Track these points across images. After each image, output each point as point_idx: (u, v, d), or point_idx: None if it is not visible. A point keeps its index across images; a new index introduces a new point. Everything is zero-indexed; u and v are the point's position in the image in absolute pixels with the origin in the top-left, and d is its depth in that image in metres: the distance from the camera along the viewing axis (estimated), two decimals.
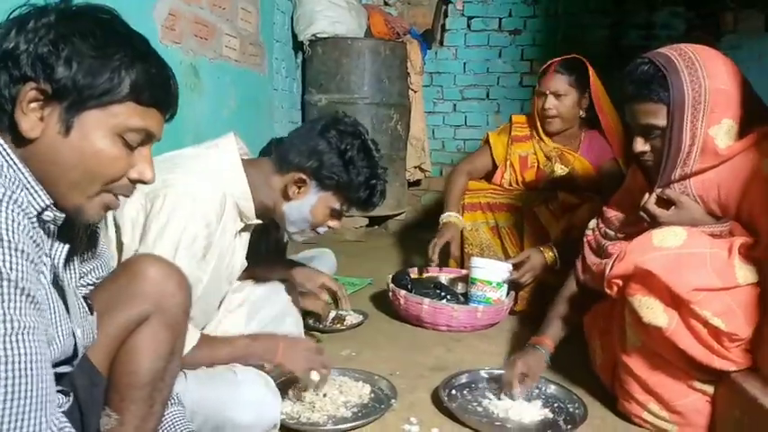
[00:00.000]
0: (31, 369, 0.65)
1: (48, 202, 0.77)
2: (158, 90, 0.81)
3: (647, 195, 1.47)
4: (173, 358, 1.01)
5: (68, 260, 0.87)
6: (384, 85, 3.81)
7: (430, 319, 2.13)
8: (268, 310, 1.71)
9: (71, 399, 0.87)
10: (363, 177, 1.46)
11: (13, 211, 0.66)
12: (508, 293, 2.21)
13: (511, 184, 2.57)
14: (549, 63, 2.45)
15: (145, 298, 0.96)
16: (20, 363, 0.63)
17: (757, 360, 1.28)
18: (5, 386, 0.62)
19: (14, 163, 0.74)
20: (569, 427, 1.44)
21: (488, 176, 2.66)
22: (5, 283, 0.63)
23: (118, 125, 0.77)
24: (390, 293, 2.24)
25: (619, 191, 1.73)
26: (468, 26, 4.43)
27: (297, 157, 1.44)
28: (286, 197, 1.46)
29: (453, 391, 1.60)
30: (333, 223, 1.54)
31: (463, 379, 1.66)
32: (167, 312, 0.97)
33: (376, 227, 4.11)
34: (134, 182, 0.83)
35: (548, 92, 2.39)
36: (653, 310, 1.31)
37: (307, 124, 1.63)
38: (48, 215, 0.77)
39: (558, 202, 2.37)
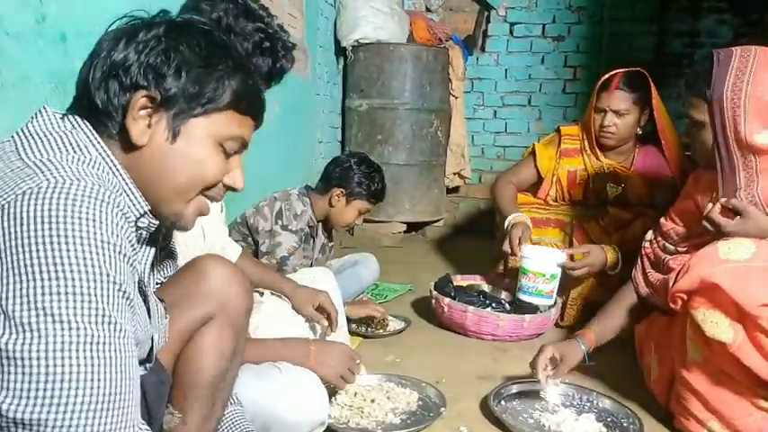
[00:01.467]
0: (127, 371, 0.66)
1: (146, 209, 0.79)
2: (255, 99, 0.84)
3: (710, 205, 1.43)
4: (234, 358, 1.02)
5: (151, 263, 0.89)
6: (425, 90, 3.81)
7: (474, 327, 2.11)
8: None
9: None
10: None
11: (116, 215, 0.67)
12: (559, 292, 2.12)
13: (556, 200, 2.45)
14: (610, 76, 2.26)
15: (209, 298, 0.97)
16: (119, 363, 0.65)
17: None
18: (104, 386, 0.63)
19: (117, 170, 0.76)
20: None
21: (531, 189, 2.54)
22: (111, 285, 0.65)
23: (219, 133, 0.80)
24: (433, 300, 2.22)
25: (678, 199, 1.68)
26: (511, 32, 4.40)
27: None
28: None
29: (504, 402, 1.58)
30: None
31: (514, 389, 1.63)
32: (231, 312, 0.99)
33: (413, 233, 4.10)
34: (226, 188, 0.86)
35: (608, 109, 2.23)
36: (717, 325, 1.26)
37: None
38: (143, 221, 0.79)
39: (609, 217, 2.27)
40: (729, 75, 1.35)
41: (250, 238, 2.04)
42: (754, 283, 1.22)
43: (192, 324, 0.97)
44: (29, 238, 0.62)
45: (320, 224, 2.20)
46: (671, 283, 1.35)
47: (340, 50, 3.86)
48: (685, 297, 1.33)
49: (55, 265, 0.61)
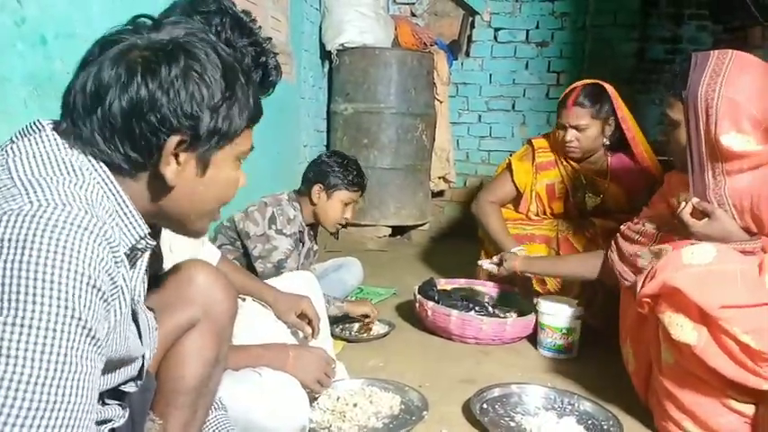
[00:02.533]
0: (81, 417, 0.62)
1: (146, 232, 0.77)
2: (260, 112, 0.85)
3: (682, 204, 1.46)
4: (218, 364, 1.02)
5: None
6: (410, 95, 3.82)
7: (458, 330, 2.12)
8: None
9: (127, 412, 0.87)
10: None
11: (99, 245, 0.65)
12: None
13: (538, 215, 2.44)
14: (568, 91, 2.31)
15: (194, 303, 0.97)
16: (72, 408, 0.61)
17: None
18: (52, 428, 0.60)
19: (117, 192, 0.74)
20: None
21: (512, 203, 2.53)
22: (74, 322, 0.61)
23: (239, 151, 0.83)
24: (417, 304, 2.23)
25: (653, 198, 1.73)
26: (495, 38, 4.44)
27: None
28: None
29: (485, 405, 1.59)
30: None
31: (496, 392, 1.65)
32: (214, 319, 0.98)
33: (399, 236, 4.10)
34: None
35: (568, 125, 2.26)
36: (682, 328, 1.29)
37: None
38: (140, 243, 0.78)
39: (595, 228, 2.28)
40: (705, 75, 1.39)
41: (238, 243, 2.04)
42: (714, 285, 1.26)
43: (176, 330, 0.97)
44: (1, 261, 0.59)
45: (306, 228, 2.20)
46: (638, 288, 1.38)
47: (325, 54, 3.87)
48: (651, 302, 1.36)
49: (18, 293, 0.59)
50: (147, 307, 0.89)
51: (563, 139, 2.30)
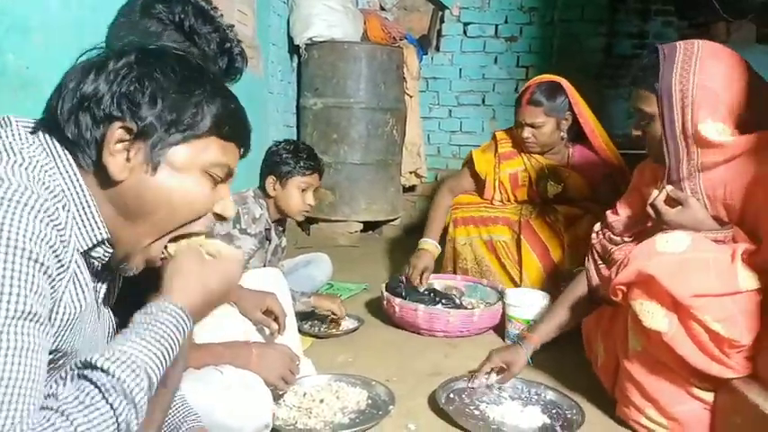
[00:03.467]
0: (22, 393, 0.60)
1: (104, 237, 0.75)
2: (237, 124, 0.81)
3: (655, 192, 1.48)
4: (175, 363, 0.98)
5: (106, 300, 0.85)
6: (380, 89, 3.80)
7: (426, 325, 2.12)
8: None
9: None
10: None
11: (41, 221, 0.63)
12: None
13: (501, 202, 2.52)
14: (523, 89, 2.39)
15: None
16: (11, 384, 0.59)
17: (758, 367, 1.27)
18: None
19: (83, 190, 0.73)
20: (565, 428, 1.45)
21: (477, 192, 2.61)
22: (12, 299, 0.60)
23: (203, 160, 0.77)
24: (385, 302, 2.22)
25: (626, 192, 1.73)
26: (465, 32, 4.44)
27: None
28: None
29: (451, 395, 1.60)
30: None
31: (461, 383, 1.65)
32: None
33: (370, 232, 4.09)
34: (217, 217, 0.83)
35: (523, 122, 2.34)
36: (653, 315, 1.30)
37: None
38: (97, 251, 0.76)
39: (556, 214, 2.34)
40: (676, 66, 1.40)
41: None
42: (687, 273, 1.27)
43: None
44: None
45: (274, 225, 2.17)
46: (613, 276, 1.39)
47: (293, 49, 3.82)
48: (625, 289, 1.37)
49: None
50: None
51: (520, 136, 2.38)
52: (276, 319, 1.64)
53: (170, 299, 0.75)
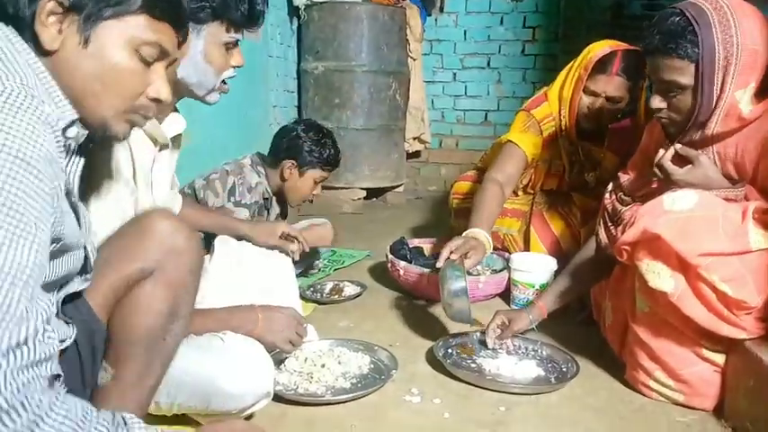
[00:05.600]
0: (22, 276, 0.61)
1: (75, 117, 0.78)
2: (169, 4, 0.81)
3: (662, 151, 1.41)
4: (173, 318, 0.99)
5: (81, 177, 0.88)
6: (382, 52, 3.71)
7: (430, 289, 2.08)
8: (261, 281, 1.65)
9: (74, 332, 0.86)
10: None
11: (35, 123, 0.66)
12: None
13: (525, 190, 2.29)
14: (608, 55, 1.96)
15: (149, 253, 0.95)
16: (11, 268, 0.61)
17: None
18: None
19: (44, 75, 0.75)
20: (559, 380, 1.48)
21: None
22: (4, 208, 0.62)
23: (132, 37, 0.78)
24: (389, 264, 2.18)
25: (636, 153, 1.66)
26: None
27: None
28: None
29: (450, 350, 1.63)
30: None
31: (459, 339, 1.69)
32: (170, 270, 0.96)
33: (374, 199, 4.05)
34: (152, 100, 0.84)
35: (604, 95, 1.99)
36: (659, 275, 1.26)
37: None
38: (72, 131, 0.77)
39: (570, 204, 2.18)
40: (715, 30, 1.27)
41: None
42: (694, 232, 1.22)
43: (129, 278, 0.95)
44: None
45: (274, 196, 2.13)
46: (619, 236, 1.34)
47: (293, 10, 3.73)
48: (630, 249, 1.32)
49: None
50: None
51: (589, 107, 2.03)
52: (296, 241, 1.76)
53: None
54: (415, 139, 4.21)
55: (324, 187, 3.73)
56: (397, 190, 4.14)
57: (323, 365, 1.48)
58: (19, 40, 0.75)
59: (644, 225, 1.28)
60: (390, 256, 2.18)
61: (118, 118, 0.82)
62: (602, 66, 1.98)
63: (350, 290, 2.15)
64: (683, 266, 1.25)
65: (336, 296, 2.10)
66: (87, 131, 0.81)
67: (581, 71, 2.02)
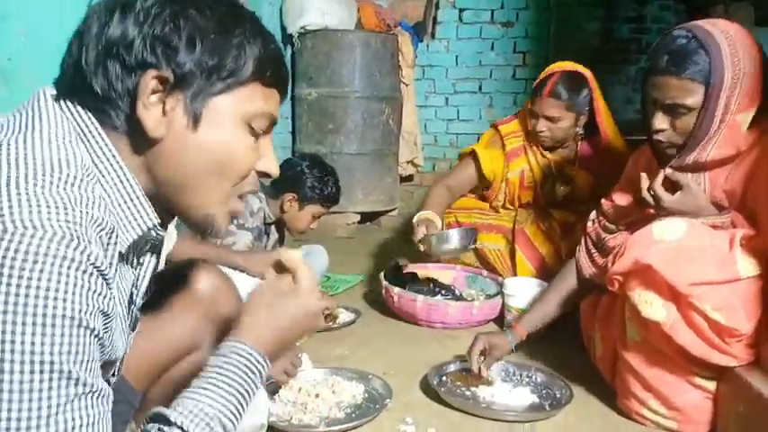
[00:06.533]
0: None
1: (155, 222, 0.68)
2: (279, 68, 0.72)
3: (646, 177, 1.41)
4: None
5: None
6: (375, 78, 3.75)
7: (424, 315, 2.09)
8: None
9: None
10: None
11: (85, 272, 0.56)
12: None
13: (504, 206, 2.35)
14: (544, 78, 2.15)
15: (197, 331, 0.91)
16: None
17: (761, 355, 1.25)
18: None
19: (125, 175, 0.65)
20: (554, 407, 1.49)
21: (478, 193, 2.44)
22: (59, 376, 0.54)
23: (246, 111, 0.68)
24: (383, 290, 2.19)
25: (620, 181, 1.68)
26: (460, 18, 4.39)
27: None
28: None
29: (444, 378, 1.63)
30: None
31: (452, 367, 1.69)
32: (216, 333, 0.93)
33: (368, 223, 4.06)
34: (260, 175, 0.75)
35: (540, 114, 2.14)
36: (651, 305, 1.28)
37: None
38: (150, 234, 0.69)
39: (551, 220, 2.22)
40: (725, 52, 1.27)
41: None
42: (685, 262, 1.23)
43: (175, 352, 0.91)
44: None
45: (274, 223, 2.15)
46: (609, 266, 1.36)
47: (287, 38, 3.77)
48: (621, 279, 1.34)
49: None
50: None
51: (534, 128, 2.19)
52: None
53: (242, 338, 0.73)
54: (408, 162, 4.24)
55: None
56: (390, 214, 4.16)
57: (317, 395, 1.48)
58: (93, 125, 0.64)
59: (635, 255, 1.29)
60: (384, 282, 2.19)
61: (224, 206, 0.71)
62: (538, 88, 2.15)
63: (344, 317, 2.15)
64: (674, 296, 1.26)
65: (330, 323, 2.10)
66: (165, 234, 0.72)
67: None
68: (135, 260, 0.72)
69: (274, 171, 0.75)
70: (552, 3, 4.23)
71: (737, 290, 1.23)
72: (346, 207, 3.81)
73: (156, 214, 0.69)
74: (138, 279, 0.74)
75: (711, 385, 1.33)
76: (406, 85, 4.09)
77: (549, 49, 4.18)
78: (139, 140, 0.65)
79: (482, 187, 2.41)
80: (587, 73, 2.18)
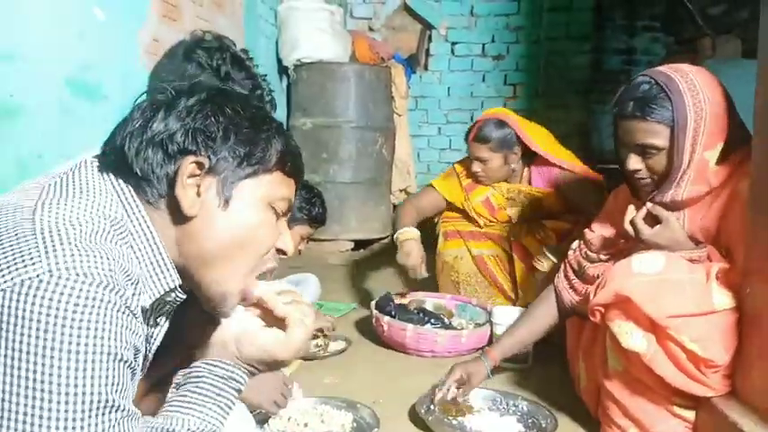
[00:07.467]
0: None
1: (177, 283, 0.76)
2: (298, 161, 0.83)
3: (632, 208, 1.46)
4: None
5: None
6: (369, 109, 3.84)
7: (414, 344, 2.12)
8: None
9: None
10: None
11: (123, 312, 0.65)
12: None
13: (487, 225, 2.50)
14: (471, 126, 2.44)
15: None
16: None
17: (736, 385, 1.28)
18: None
19: (155, 241, 0.73)
20: None
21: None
22: (103, 406, 0.62)
23: (270, 194, 0.78)
24: (374, 319, 2.22)
25: (600, 214, 1.73)
26: (452, 51, 4.51)
27: None
28: None
29: (432, 406, 1.64)
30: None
31: (440, 395, 1.67)
32: None
33: (361, 250, 4.09)
34: (278, 252, 0.84)
35: (473, 157, 2.41)
36: (631, 336, 1.31)
37: None
38: (170, 295, 0.76)
39: (545, 230, 2.33)
40: (685, 95, 1.36)
41: None
42: (663, 294, 1.28)
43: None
44: (20, 343, 0.59)
45: None
46: (591, 297, 1.40)
47: (282, 70, 3.86)
48: (603, 310, 1.38)
49: (42, 383, 0.59)
50: None
51: (472, 169, 2.44)
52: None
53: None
54: (401, 191, 4.30)
55: (312, 239, 3.82)
56: (383, 241, 4.20)
57: (306, 425, 1.50)
58: (132, 196, 0.73)
59: (614, 287, 1.34)
60: (375, 312, 2.22)
61: (241, 283, 0.79)
62: (466, 136, 2.46)
63: (335, 345, 2.18)
64: (653, 327, 1.30)
65: (321, 352, 2.13)
66: (185, 295, 0.79)
67: None
68: (153, 319, 0.78)
69: (290, 249, 0.85)
70: (542, 36, 4.35)
71: (714, 322, 1.28)
72: (339, 234, 3.86)
73: (179, 276, 0.76)
74: (151, 336, 0.80)
75: (690, 415, 1.36)
76: (399, 116, 4.18)
77: (539, 81, 4.28)
78: (172, 217, 0.74)
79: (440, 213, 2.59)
80: (508, 116, 2.42)
